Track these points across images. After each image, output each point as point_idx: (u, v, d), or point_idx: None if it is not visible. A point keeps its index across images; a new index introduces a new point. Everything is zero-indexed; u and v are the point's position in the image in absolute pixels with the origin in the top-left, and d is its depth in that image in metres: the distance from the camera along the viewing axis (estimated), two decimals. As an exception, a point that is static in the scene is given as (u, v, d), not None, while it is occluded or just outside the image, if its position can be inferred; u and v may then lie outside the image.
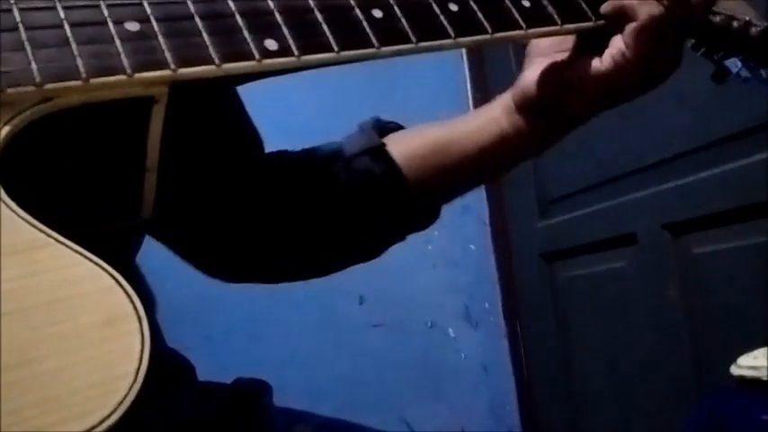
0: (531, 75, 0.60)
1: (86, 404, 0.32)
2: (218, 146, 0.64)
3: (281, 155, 0.68)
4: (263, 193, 0.65)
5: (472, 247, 2.01)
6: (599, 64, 0.56)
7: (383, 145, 0.64)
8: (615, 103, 0.58)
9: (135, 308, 0.34)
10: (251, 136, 0.67)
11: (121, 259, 0.49)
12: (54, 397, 0.32)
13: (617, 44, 0.55)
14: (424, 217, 0.67)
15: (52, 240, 0.35)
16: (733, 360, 1.00)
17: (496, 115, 0.62)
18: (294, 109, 1.68)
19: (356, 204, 0.64)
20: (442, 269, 1.95)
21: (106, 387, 0.32)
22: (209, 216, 0.64)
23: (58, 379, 0.32)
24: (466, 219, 1.98)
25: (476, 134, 0.63)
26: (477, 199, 1.99)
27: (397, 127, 0.68)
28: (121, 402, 0.32)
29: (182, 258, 0.67)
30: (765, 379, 0.95)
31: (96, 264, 0.35)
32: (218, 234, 0.65)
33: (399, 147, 0.64)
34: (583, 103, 0.58)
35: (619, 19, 0.55)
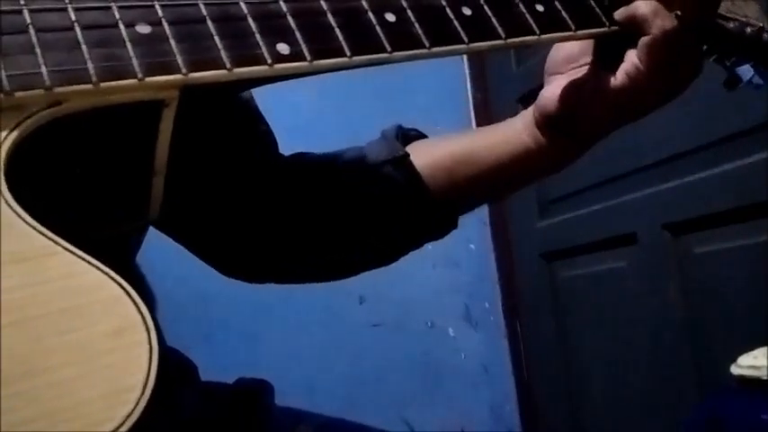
0: (548, 92, 0.60)
1: (95, 416, 0.31)
2: (229, 146, 0.63)
3: (302, 157, 0.68)
4: (279, 194, 0.64)
5: (472, 246, 2.00)
6: (613, 80, 0.55)
7: (407, 155, 0.64)
8: (633, 118, 0.58)
9: (143, 318, 0.34)
10: (264, 136, 0.67)
11: (121, 259, 0.49)
12: (62, 408, 0.31)
13: (630, 59, 0.54)
14: (442, 226, 0.66)
15: (60, 248, 0.35)
16: (733, 360, 1.00)
17: (519, 130, 0.62)
18: (294, 108, 1.67)
19: (377, 212, 0.64)
20: (442, 269, 1.94)
21: (115, 399, 0.32)
22: (223, 217, 0.64)
23: (67, 390, 0.31)
24: (466, 219, 1.96)
25: (500, 147, 0.62)
26: (477, 199, 1.98)
27: (419, 135, 0.68)
28: (129, 415, 0.31)
29: (201, 259, 0.67)
30: (765, 379, 0.95)
31: (104, 272, 0.35)
32: (233, 235, 0.65)
33: (423, 157, 0.64)
34: (598, 119, 0.58)
35: (632, 27, 0.54)
